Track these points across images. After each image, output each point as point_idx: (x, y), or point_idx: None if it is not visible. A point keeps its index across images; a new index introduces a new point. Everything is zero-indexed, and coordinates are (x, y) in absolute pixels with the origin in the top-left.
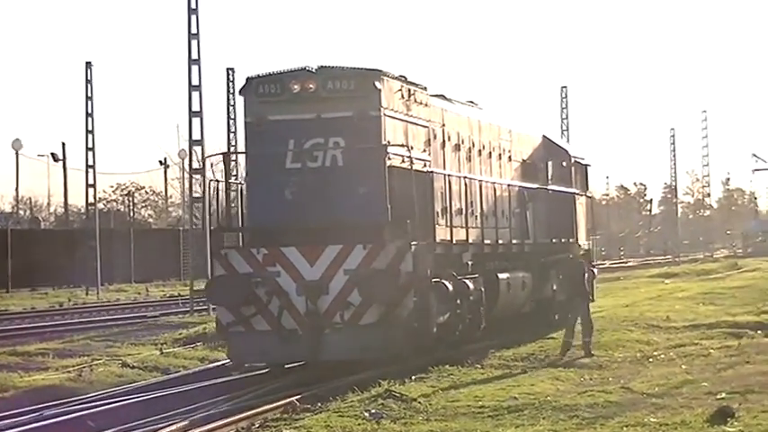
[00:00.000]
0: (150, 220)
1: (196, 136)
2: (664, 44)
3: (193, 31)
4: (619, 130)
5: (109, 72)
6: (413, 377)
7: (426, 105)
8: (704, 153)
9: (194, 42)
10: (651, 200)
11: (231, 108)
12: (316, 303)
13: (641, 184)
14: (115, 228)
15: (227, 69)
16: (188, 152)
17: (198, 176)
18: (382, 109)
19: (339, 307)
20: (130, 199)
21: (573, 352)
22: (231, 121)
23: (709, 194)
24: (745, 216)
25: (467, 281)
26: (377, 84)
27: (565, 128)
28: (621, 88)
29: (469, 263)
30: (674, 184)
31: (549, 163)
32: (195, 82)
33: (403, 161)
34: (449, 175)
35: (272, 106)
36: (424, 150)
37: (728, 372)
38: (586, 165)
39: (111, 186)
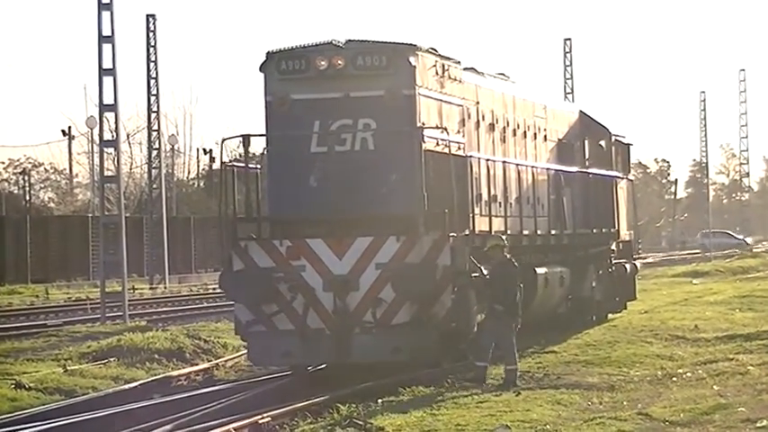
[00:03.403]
0: (51, 204)
1: (108, 99)
2: None
3: None
4: (636, 93)
5: None
6: (379, 400)
7: (460, 82)
8: (742, 123)
9: None
10: (676, 180)
11: (152, 65)
12: (344, 300)
13: (664, 160)
14: (7, 215)
15: (147, 16)
16: (98, 120)
17: (110, 150)
18: (416, 87)
19: (370, 304)
20: (26, 178)
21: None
22: (152, 81)
23: (747, 174)
24: None
25: None
26: (411, 59)
27: (569, 90)
28: (638, 42)
29: (508, 256)
30: (704, 160)
31: (587, 142)
32: (107, 32)
33: (438, 144)
34: (487, 160)
35: (295, 84)
36: (459, 131)
37: None
38: (628, 144)
39: (2, 163)
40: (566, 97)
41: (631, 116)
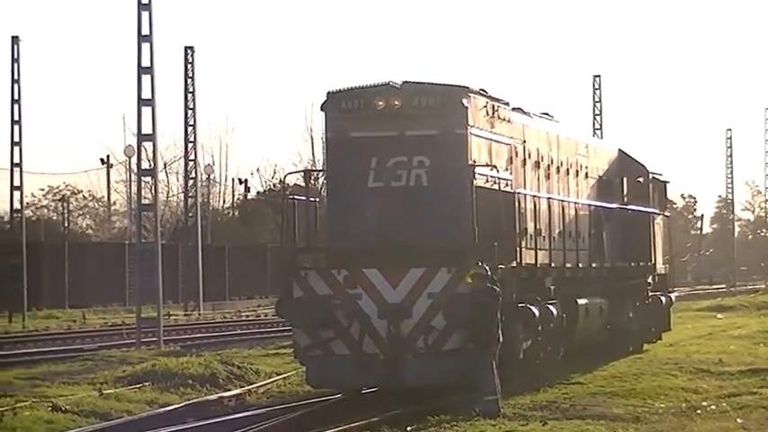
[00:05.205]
0: (89, 231)
1: (146, 129)
2: (719, 27)
3: (144, 1)
4: (663, 129)
5: (40, 49)
6: (408, 428)
7: (509, 122)
8: (767, 160)
9: (145, 15)
10: (702, 216)
11: (190, 95)
12: (398, 327)
13: (690, 196)
14: (46, 240)
15: (186, 48)
16: (136, 149)
17: (148, 179)
18: (468, 127)
19: (422, 331)
20: (65, 205)
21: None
22: (190, 112)
23: None
24: None
25: (549, 306)
26: (464, 101)
27: (597, 126)
28: (665, 79)
29: (551, 287)
30: (730, 197)
31: (625, 179)
32: (146, 63)
33: (487, 181)
34: (533, 196)
35: (354, 122)
36: (507, 169)
37: None
38: (665, 182)
39: (42, 189)
40: (594, 133)
41: (658, 152)
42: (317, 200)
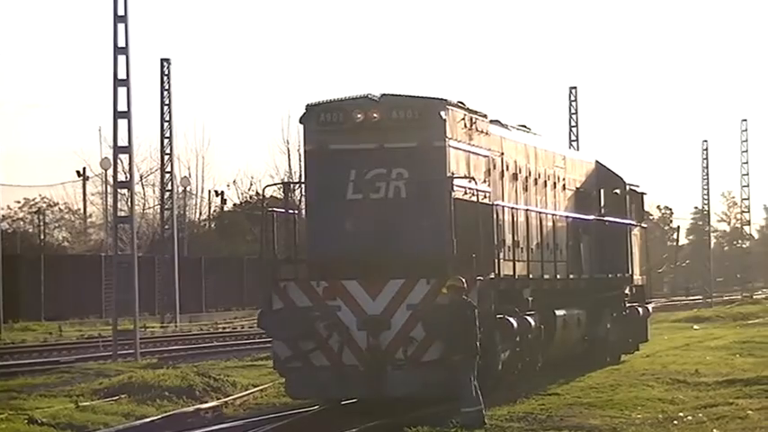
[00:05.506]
0: (65, 243)
1: (123, 141)
2: (696, 38)
3: (120, 12)
4: (639, 141)
5: (15, 61)
6: None
7: (487, 134)
8: (743, 171)
9: (121, 27)
10: (678, 227)
11: (166, 108)
12: (377, 339)
13: (666, 207)
14: (22, 253)
15: (162, 60)
16: (112, 161)
17: (124, 191)
18: (447, 139)
19: (401, 343)
20: (41, 218)
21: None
22: (166, 124)
23: (749, 222)
24: None
25: (528, 317)
26: (442, 113)
27: (574, 137)
28: (640, 91)
29: (529, 299)
30: (706, 208)
31: (602, 191)
32: (122, 75)
33: (466, 193)
34: (511, 208)
35: (333, 135)
36: (485, 181)
37: None
38: (642, 193)
39: (18, 202)
40: (570, 145)
41: (635, 163)
42: (296, 212)
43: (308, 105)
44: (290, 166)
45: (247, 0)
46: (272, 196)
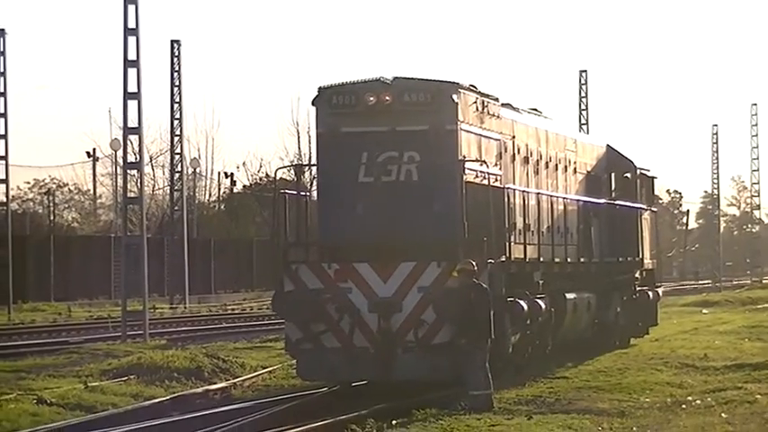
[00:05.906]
0: (75, 224)
1: (133, 122)
2: (707, 22)
3: None
4: (649, 125)
5: (25, 41)
6: (393, 422)
7: (498, 117)
8: (753, 156)
9: (132, 8)
10: (687, 211)
11: (176, 89)
12: (388, 321)
13: (676, 192)
14: (31, 233)
15: (172, 42)
16: (122, 142)
17: (134, 172)
18: (458, 123)
19: (412, 325)
20: (50, 198)
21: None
22: (176, 105)
23: (758, 206)
24: None
25: (538, 300)
26: (454, 97)
27: (584, 121)
28: (650, 75)
29: (540, 282)
30: (715, 192)
31: (613, 175)
32: (132, 56)
33: (477, 176)
34: (522, 191)
35: (345, 118)
36: (496, 164)
37: None
38: (652, 177)
39: (27, 183)
40: (581, 128)
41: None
42: (307, 194)
43: (319, 88)
44: (299, 148)
45: None
46: (281, 178)
